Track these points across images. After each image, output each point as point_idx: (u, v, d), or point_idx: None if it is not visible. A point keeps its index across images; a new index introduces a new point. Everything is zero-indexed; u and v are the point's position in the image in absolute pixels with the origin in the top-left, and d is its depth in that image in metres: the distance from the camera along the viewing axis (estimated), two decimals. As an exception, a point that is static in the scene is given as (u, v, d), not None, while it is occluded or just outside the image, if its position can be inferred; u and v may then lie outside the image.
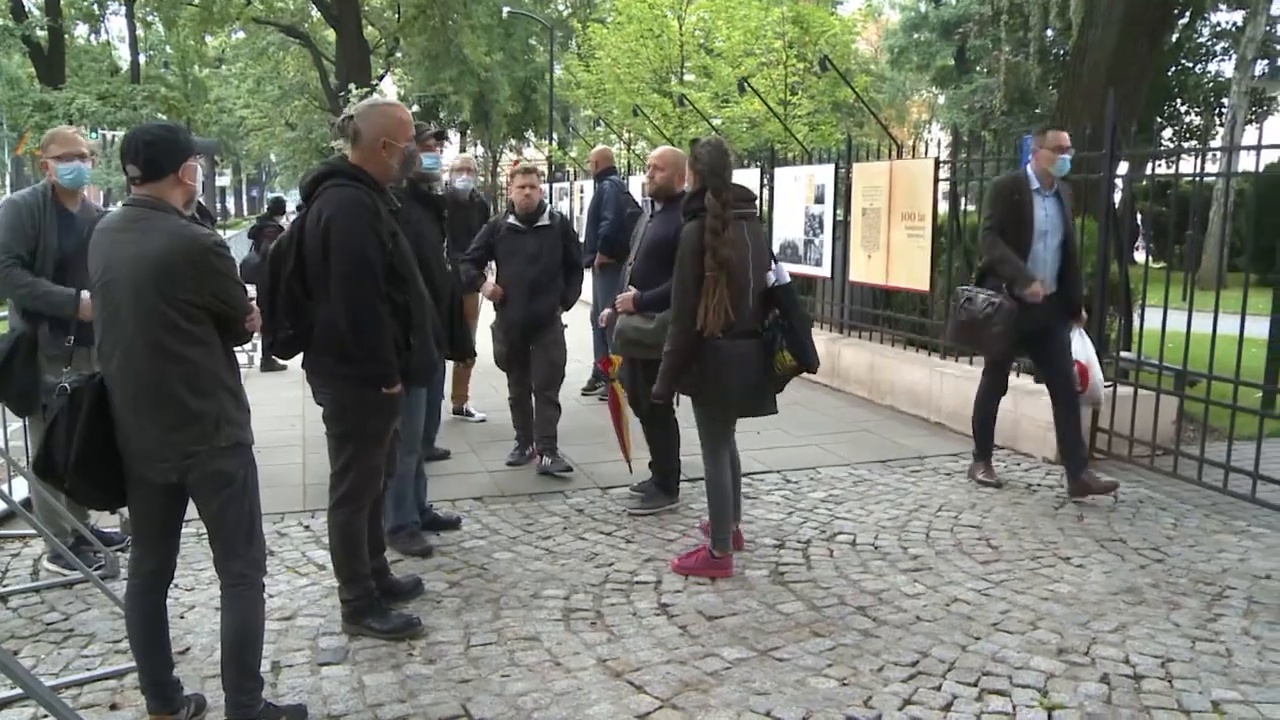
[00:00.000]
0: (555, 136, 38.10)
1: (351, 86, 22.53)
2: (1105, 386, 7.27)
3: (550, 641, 4.24)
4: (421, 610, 4.50)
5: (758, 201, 5.39)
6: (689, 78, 25.95)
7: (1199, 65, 33.57)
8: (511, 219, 6.61)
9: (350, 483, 4.20)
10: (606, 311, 6.14)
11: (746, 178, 11.80)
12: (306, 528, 5.73)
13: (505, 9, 39.13)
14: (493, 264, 6.81)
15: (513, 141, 50.19)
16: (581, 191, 17.39)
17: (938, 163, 8.61)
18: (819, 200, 10.20)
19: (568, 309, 6.80)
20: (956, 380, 8.20)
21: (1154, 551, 5.43)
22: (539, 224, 6.59)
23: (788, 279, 4.94)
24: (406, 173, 4.46)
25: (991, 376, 6.76)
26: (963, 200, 9.21)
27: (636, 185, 13.79)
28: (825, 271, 10.24)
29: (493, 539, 5.52)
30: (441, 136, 5.93)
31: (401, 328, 4.06)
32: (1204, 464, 6.58)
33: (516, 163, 7.30)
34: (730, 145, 5.22)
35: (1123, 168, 7.69)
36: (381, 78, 39.78)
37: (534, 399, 6.73)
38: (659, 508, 5.93)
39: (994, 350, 6.40)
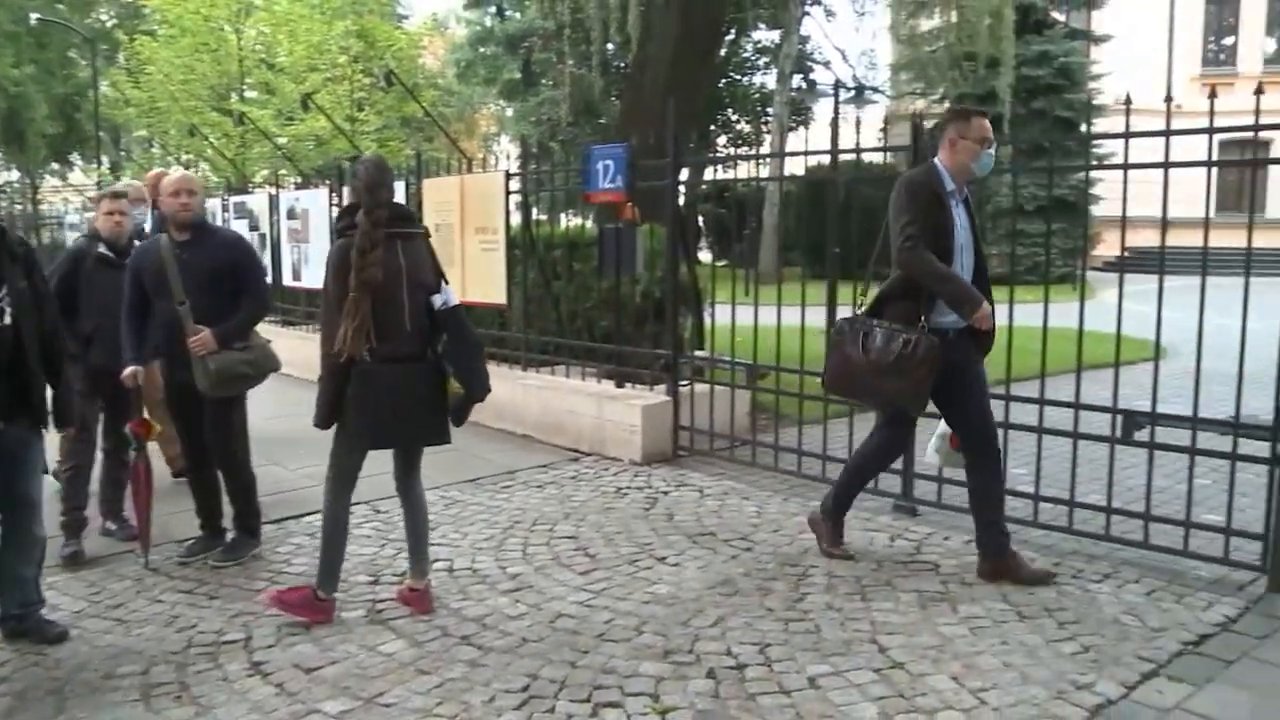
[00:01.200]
0: (104, 159, 35.27)
1: None
2: (682, 386, 7.54)
3: (126, 727, 3.73)
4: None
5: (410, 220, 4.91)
6: (251, 95, 24.70)
7: (746, 78, 36.24)
8: (102, 249, 5.65)
9: None
10: (132, 370, 5.22)
11: (315, 197, 11.36)
12: None
13: (34, 16, 35.58)
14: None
15: (54, 165, 45.80)
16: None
17: (508, 175, 8.60)
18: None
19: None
20: (540, 391, 8.22)
21: (742, 541, 5.63)
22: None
23: (455, 302, 4.66)
24: None
25: (892, 431, 5.38)
26: (534, 211, 9.25)
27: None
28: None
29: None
30: None
31: None
32: (779, 451, 6.95)
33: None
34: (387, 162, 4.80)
35: (685, 174, 7.97)
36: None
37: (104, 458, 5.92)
38: (242, 557, 5.43)
39: (915, 398, 4.96)
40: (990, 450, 5.03)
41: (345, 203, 4.71)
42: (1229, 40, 36.17)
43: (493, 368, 8.61)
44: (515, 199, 8.74)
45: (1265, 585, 4.81)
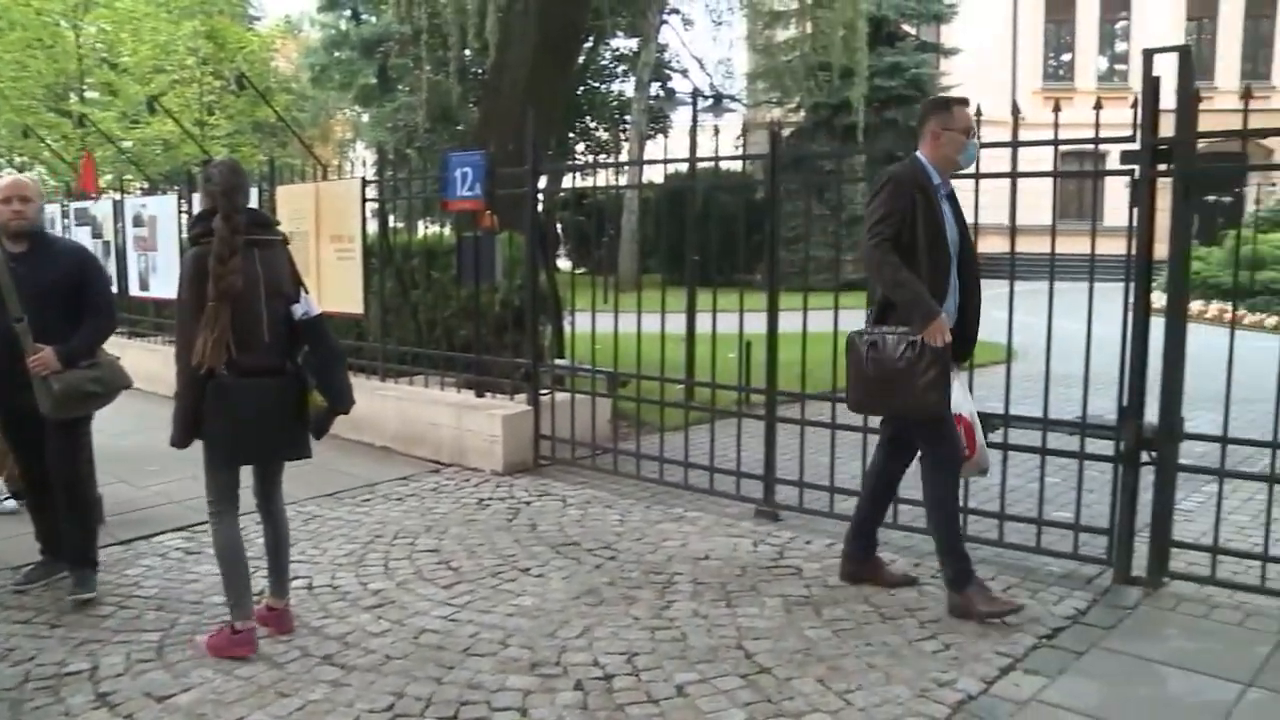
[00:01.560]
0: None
1: None
2: (542, 394, 7.49)
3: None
4: None
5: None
6: (92, 95, 23.73)
7: (604, 85, 36.34)
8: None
9: None
10: None
11: (163, 204, 10.98)
12: None
13: None
14: None
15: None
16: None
17: (364, 182, 8.44)
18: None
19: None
20: (399, 402, 8.08)
21: (606, 550, 5.61)
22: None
23: (317, 312, 4.48)
24: None
25: (944, 449, 4.73)
26: (391, 219, 9.10)
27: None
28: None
29: None
30: None
31: None
32: (641, 459, 6.96)
33: None
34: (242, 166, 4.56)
35: (543, 181, 7.91)
36: None
37: None
38: (94, 586, 5.06)
39: (927, 407, 4.54)
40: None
41: (198, 209, 4.50)
42: (1067, 57, 37.80)
43: (350, 378, 8.52)
44: (372, 207, 8.58)
45: (1111, 578, 5.00)
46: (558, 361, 7.87)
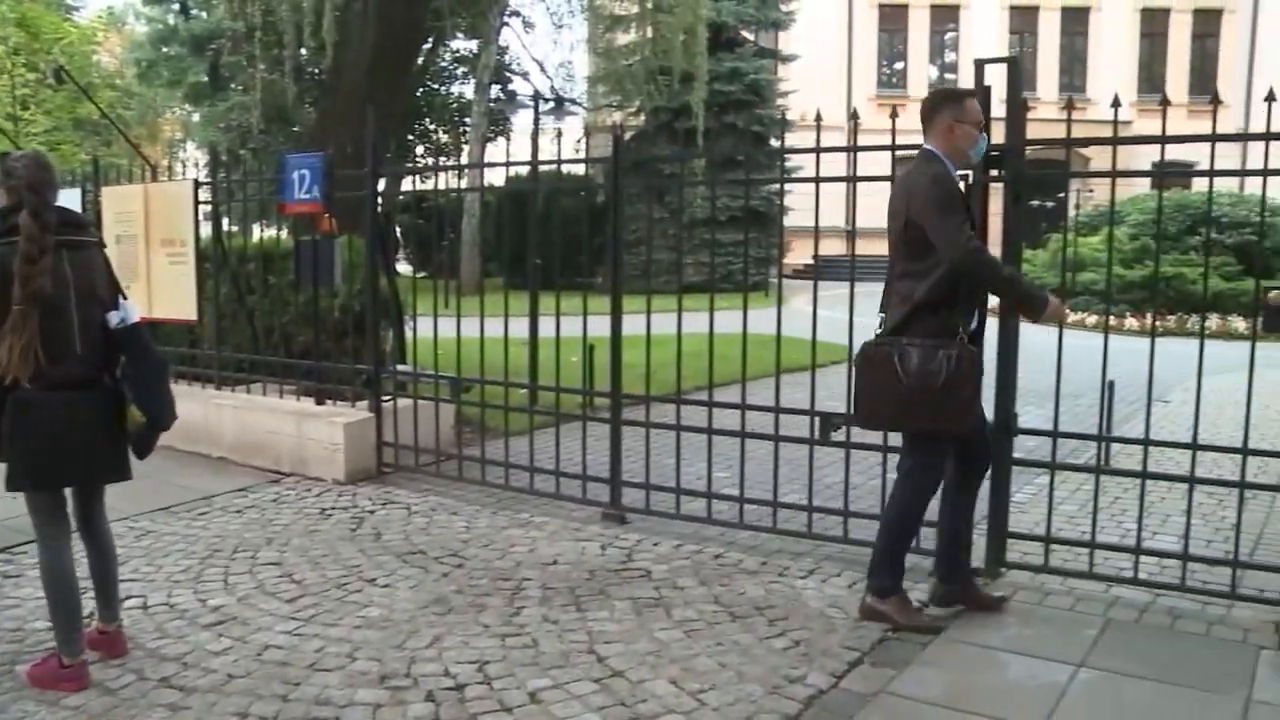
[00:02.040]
0: None
1: None
2: (385, 401, 7.38)
3: None
4: None
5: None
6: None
7: (444, 87, 35.94)
8: None
9: None
10: None
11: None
12: None
13: None
14: None
15: None
16: None
17: (197, 184, 8.17)
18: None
19: None
20: (236, 411, 7.85)
21: (453, 558, 5.54)
22: None
23: (135, 319, 4.14)
24: None
25: (932, 466, 4.59)
26: (226, 222, 8.83)
27: None
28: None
29: None
30: None
31: None
32: (485, 464, 6.90)
33: None
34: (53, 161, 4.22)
35: (383, 184, 7.80)
36: None
37: None
38: None
39: (962, 422, 4.37)
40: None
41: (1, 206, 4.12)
42: (900, 65, 39.17)
43: (184, 387, 8.28)
44: (205, 209, 8.30)
45: (952, 570, 5.17)
46: (400, 367, 7.75)
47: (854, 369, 4.56)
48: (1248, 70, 35.18)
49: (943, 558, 4.81)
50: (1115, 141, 4.89)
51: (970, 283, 4.35)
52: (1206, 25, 37.91)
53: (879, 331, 4.53)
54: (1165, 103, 4.79)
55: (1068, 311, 4.35)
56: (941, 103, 4.53)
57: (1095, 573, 5.00)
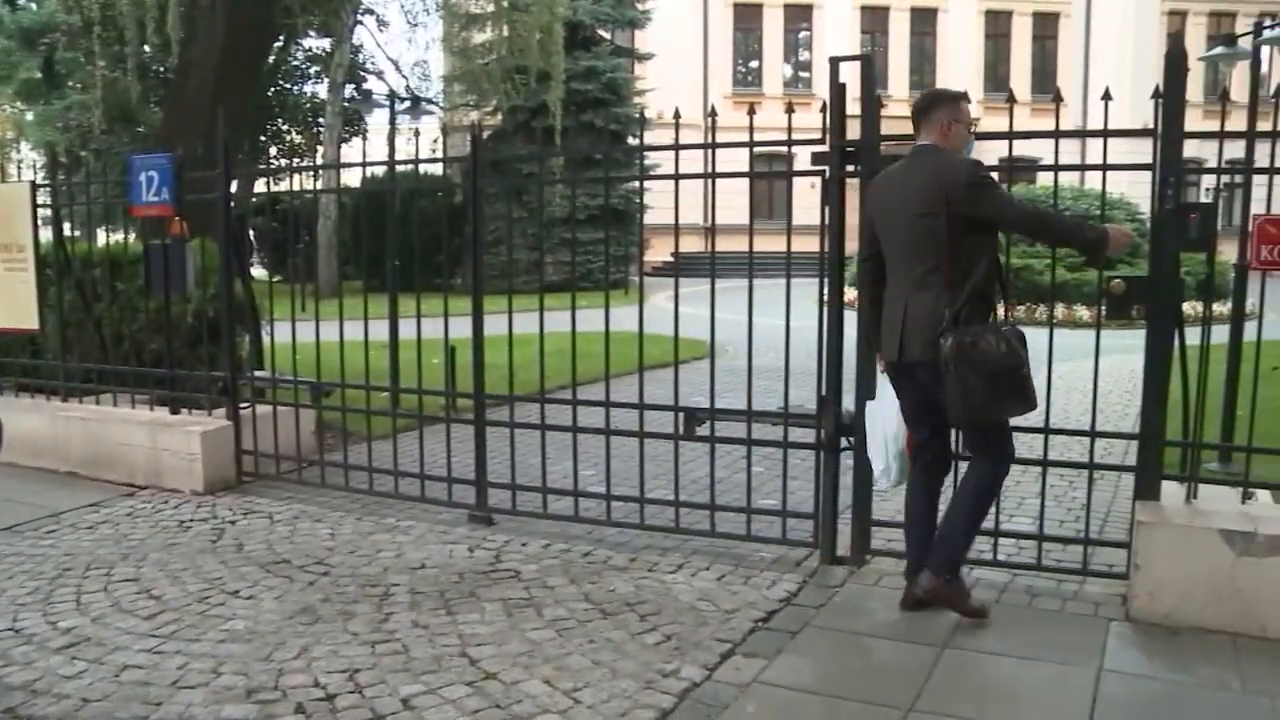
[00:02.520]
0: None
1: None
2: (243, 408, 7.21)
3: None
4: None
5: None
6: None
7: (297, 86, 35.21)
8: None
9: None
10: None
11: None
12: None
13: None
14: None
15: None
16: None
17: (34, 186, 7.84)
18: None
19: None
20: (85, 423, 7.55)
21: (319, 565, 5.45)
22: None
23: None
24: None
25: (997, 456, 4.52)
26: (68, 226, 8.50)
27: None
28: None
29: None
30: None
31: None
32: (349, 470, 6.80)
33: None
34: None
35: (235, 186, 7.62)
36: None
37: None
38: None
39: (1017, 406, 4.30)
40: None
41: None
42: (755, 64, 39.84)
43: (26, 401, 7.95)
44: (45, 213, 7.98)
45: (819, 559, 5.30)
46: (257, 373, 7.57)
47: (944, 369, 4.23)
48: (1084, 70, 36.83)
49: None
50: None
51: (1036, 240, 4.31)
52: (1045, 27, 39.74)
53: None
54: (1011, 100, 4.98)
55: (1130, 232, 4.53)
56: (938, 103, 4.54)
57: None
